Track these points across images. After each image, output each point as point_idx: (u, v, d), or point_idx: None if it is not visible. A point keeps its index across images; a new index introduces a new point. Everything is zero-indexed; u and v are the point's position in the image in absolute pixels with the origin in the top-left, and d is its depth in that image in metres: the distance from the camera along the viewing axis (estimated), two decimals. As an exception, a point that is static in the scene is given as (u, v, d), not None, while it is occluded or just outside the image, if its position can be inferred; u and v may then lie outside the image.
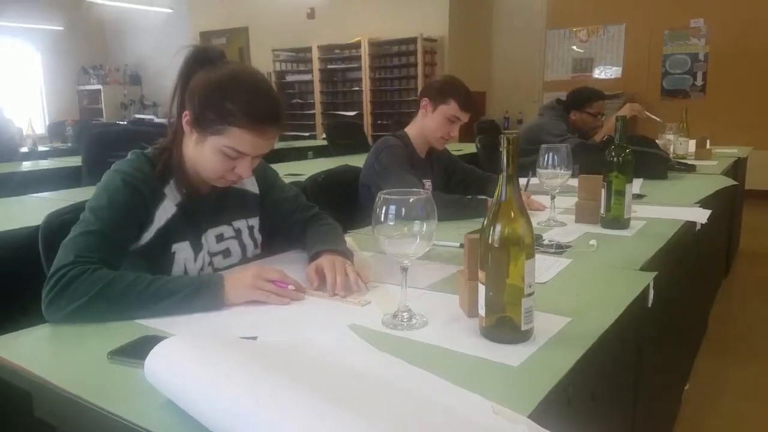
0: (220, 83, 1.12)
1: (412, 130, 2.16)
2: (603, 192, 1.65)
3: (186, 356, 0.71)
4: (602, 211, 1.67)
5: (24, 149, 4.37)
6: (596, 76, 7.20)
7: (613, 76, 7.07)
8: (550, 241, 1.47)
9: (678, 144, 3.35)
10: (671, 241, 1.51)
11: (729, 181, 2.57)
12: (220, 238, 1.31)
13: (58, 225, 1.27)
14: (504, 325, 0.87)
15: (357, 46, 7.50)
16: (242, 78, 1.14)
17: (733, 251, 3.92)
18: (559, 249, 1.41)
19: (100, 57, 10.85)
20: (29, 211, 2.06)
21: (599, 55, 7.20)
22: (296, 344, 0.84)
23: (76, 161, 3.77)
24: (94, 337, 0.95)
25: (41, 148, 4.74)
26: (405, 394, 0.69)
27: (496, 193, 0.87)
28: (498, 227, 0.85)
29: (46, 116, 9.78)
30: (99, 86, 10.43)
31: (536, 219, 1.74)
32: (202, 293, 1.02)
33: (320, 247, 1.23)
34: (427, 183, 2.15)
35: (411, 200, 0.91)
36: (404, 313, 0.96)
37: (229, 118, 1.10)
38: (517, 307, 0.86)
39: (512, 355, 0.83)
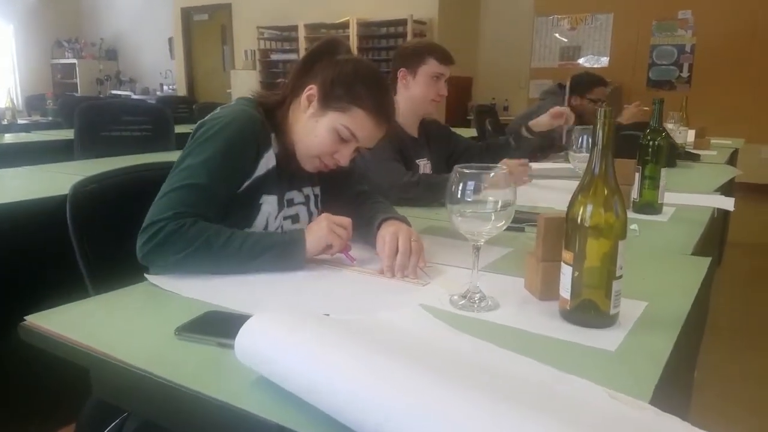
0: (356, 67, 1.17)
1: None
2: (637, 176, 1.62)
3: (285, 331, 0.65)
4: (635, 195, 1.65)
5: (4, 122, 4.17)
6: (583, 64, 7.22)
7: (600, 66, 7.08)
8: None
9: (678, 133, 3.36)
10: (708, 227, 1.49)
11: (735, 171, 2.58)
12: (290, 202, 1.28)
13: (85, 195, 1.22)
14: (588, 308, 0.83)
15: (345, 26, 7.38)
16: (374, 72, 1.21)
17: (723, 242, 3.99)
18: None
19: (75, 30, 10.49)
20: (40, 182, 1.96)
21: (587, 44, 7.21)
22: (380, 322, 0.79)
23: (62, 134, 3.63)
24: (151, 312, 0.90)
25: (20, 121, 4.53)
26: (519, 381, 0.65)
27: (589, 169, 0.82)
28: (590, 206, 0.81)
29: (18, 90, 9.41)
30: (74, 60, 10.10)
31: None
32: (290, 250, 1.06)
33: (382, 215, 1.19)
34: (423, 163, 2.02)
35: (491, 175, 0.86)
36: (476, 294, 0.91)
37: (357, 99, 1.14)
38: (605, 290, 0.82)
39: (603, 339, 0.79)
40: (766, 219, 1.58)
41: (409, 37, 6.93)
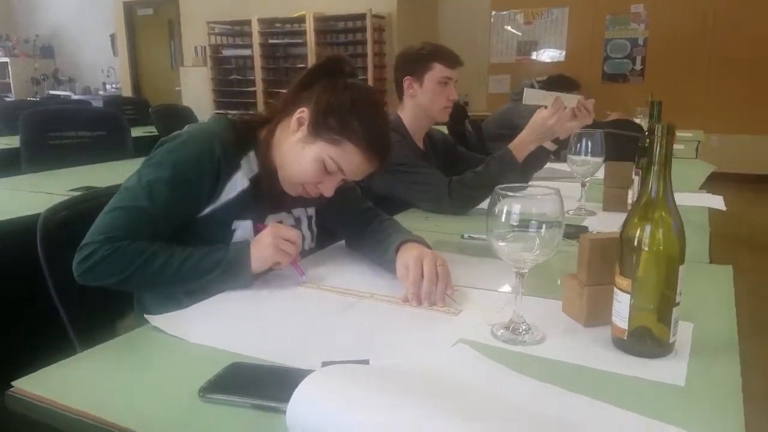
0: (354, 97, 1.09)
1: (404, 119, 1.87)
2: (637, 179, 1.60)
3: (344, 396, 0.57)
4: (633, 198, 1.62)
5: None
6: (540, 59, 7.30)
7: (556, 60, 7.18)
8: (598, 233, 1.40)
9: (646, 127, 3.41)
10: (711, 229, 1.48)
11: (711, 167, 2.62)
12: None
13: (56, 224, 1.12)
14: (645, 336, 0.78)
15: (301, 20, 7.21)
16: (373, 104, 1.13)
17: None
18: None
19: (6, 26, 9.91)
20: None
21: (543, 38, 7.29)
22: (432, 370, 0.71)
23: (2, 143, 3.38)
24: (162, 366, 0.79)
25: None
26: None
27: (645, 189, 0.77)
28: (650, 229, 0.75)
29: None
30: (5, 59, 9.52)
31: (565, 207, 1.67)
32: (234, 270, 1.01)
33: (402, 237, 1.10)
34: None
35: (538, 197, 0.80)
36: (521, 325, 0.85)
37: (349, 132, 1.06)
38: (665, 317, 0.77)
39: (667, 371, 0.74)
40: (729, 208, 1.61)
41: (368, 32, 6.84)
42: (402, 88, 1.85)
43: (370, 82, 7.02)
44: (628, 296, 0.77)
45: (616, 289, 0.79)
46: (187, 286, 1.00)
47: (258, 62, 7.60)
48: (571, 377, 0.73)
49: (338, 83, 1.10)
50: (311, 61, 7.28)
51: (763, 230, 4.66)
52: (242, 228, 1.11)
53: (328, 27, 7.30)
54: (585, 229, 1.41)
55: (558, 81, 3.42)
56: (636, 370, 0.75)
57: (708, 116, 6.12)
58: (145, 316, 0.90)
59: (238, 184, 1.09)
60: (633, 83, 6.78)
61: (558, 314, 0.93)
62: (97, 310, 1.16)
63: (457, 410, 0.57)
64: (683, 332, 0.84)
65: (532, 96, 1.65)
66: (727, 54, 6.24)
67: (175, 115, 3.91)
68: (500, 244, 0.82)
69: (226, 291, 1.02)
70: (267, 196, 1.13)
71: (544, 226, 0.80)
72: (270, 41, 7.63)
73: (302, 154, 1.08)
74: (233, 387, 0.69)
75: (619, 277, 0.78)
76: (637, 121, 3.39)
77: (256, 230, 1.10)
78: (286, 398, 0.64)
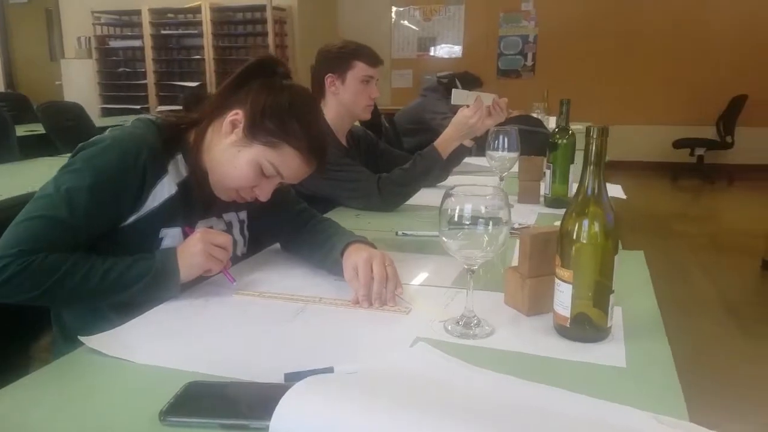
0: (292, 99, 1.06)
1: (327, 116, 1.82)
2: (548, 173, 1.71)
3: (324, 407, 0.57)
4: (545, 191, 1.73)
5: None
6: (439, 55, 7.51)
7: (455, 56, 7.43)
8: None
9: (544, 122, 3.63)
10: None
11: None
12: None
13: None
14: (585, 323, 0.85)
15: (196, 11, 6.91)
16: (311, 105, 1.13)
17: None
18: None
19: None
20: None
21: (441, 35, 7.51)
22: (400, 371, 0.73)
23: None
24: (112, 392, 0.73)
25: None
26: (570, 419, 0.63)
27: (582, 186, 0.83)
28: (588, 224, 0.82)
29: None
30: None
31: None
32: (161, 281, 0.97)
33: (346, 239, 1.10)
34: None
35: (486, 197, 0.84)
36: (473, 319, 0.89)
37: (289, 136, 1.03)
38: (603, 304, 0.83)
39: (608, 354, 0.81)
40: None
41: (269, 25, 6.66)
42: (323, 86, 1.84)
43: (271, 76, 6.87)
44: (570, 286, 0.83)
45: (557, 280, 0.85)
46: (110, 299, 0.96)
47: (149, 54, 7.19)
48: (523, 366, 0.78)
49: (274, 84, 1.07)
50: (208, 53, 7.01)
51: (658, 216, 5.11)
52: (170, 236, 1.06)
53: (226, 18, 7.05)
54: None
55: (463, 78, 3.54)
56: (580, 355, 0.81)
57: (595, 108, 6.61)
58: (80, 338, 0.83)
59: (165, 189, 1.04)
60: (525, 78, 7.18)
61: (500, 306, 0.98)
62: (6, 331, 1.07)
63: (446, 412, 0.59)
64: (615, 317, 0.92)
65: (458, 97, 1.71)
66: (609, 50, 6.76)
67: (64, 112, 3.62)
68: (451, 242, 0.85)
69: (153, 302, 0.97)
70: (197, 202, 1.09)
71: (491, 223, 0.84)
72: (162, 32, 7.25)
73: (237, 157, 1.04)
74: (196, 408, 0.67)
75: (561, 269, 0.84)
76: (535, 115, 3.60)
77: (185, 234, 1.05)
78: (255, 415, 0.64)
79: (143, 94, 7.29)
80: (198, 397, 0.69)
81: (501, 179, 1.73)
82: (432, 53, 7.55)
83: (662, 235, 4.39)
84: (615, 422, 0.64)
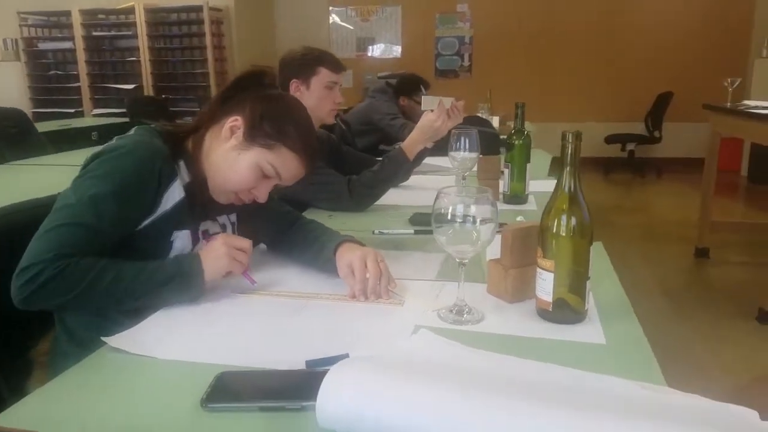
0: (288, 105, 1.16)
1: None
2: (506, 172, 1.83)
3: (368, 386, 0.64)
4: (504, 188, 1.85)
5: None
6: (378, 55, 7.62)
7: (394, 56, 7.56)
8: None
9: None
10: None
11: (549, 154, 3.01)
12: (206, 234, 1.18)
13: None
14: (564, 307, 0.95)
15: (129, 11, 6.70)
16: (304, 111, 1.19)
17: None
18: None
19: None
20: None
21: (380, 35, 7.62)
22: (413, 355, 0.80)
23: None
24: (148, 386, 0.78)
25: None
26: (572, 392, 0.73)
27: (560, 185, 0.93)
28: (566, 218, 0.92)
29: None
30: None
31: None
32: (188, 283, 1.01)
33: (337, 239, 1.17)
34: None
35: (476, 197, 0.92)
36: (465, 307, 0.97)
37: (285, 138, 1.10)
38: (581, 290, 0.94)
39: (588, 333, 0.91)
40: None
41: (206, 25, 6.58)
42: (287, 91, 1.89)
43: (210, 77, 6.79)
44: (552, 274, 0.93)
45: (539, 269, 0.95)
46: (137, 301, 0.99)
47: (81, 56, 6.92)
48: (514, 346, 0.87)
49: (270, 92, 1.15)
50: (144, 54, 6.82)
51: (594, 208, 5.38)
52: (180, 238, 1.11)
53: (161, 19, 6.88)
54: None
55: (410, 80, 3.64)
56: (564, 335, 0.91)
57: (532, 107, 6.88)
58: (103, 338, 0.88)
59: (176, 193, 1.09)
60: (462, 79, 7.40)
61: (484, 295, 1.07)
62: (6, 337, 1.08)
63: (469, 386, 0.67)
64: (589, 300, 1.03)
65: (427, 102, 1.81)
66: (542, 50, 7.08)
67: (5, 119, 3.47)
68: (444, 238, 0.93)
69: (175, 304, 1.01)
70: (197, 205, 1.14)
71: (478, 221, 0.93)
72: (94, 33, 6.99)
73: (237, 161, 1.10)
74: (233, 394, 0.73)
75: (543, 260, 0.94)
76: (480, 115, 3.76)
77: (194, 238, 1.12)
78: (289, 397, 0.71)
79: (76, 97, 7.01)
80: (232, 385, 0.75)
81: (463, 178, 1.83)
82: (371, 53, 7.65)
83: (600, 225, 4.65)
84: (616, 392, 0.73)
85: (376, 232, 1.48)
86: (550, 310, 0.95)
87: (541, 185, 1.96)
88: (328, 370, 0.76)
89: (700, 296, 3.27)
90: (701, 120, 6.67)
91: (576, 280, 0.94)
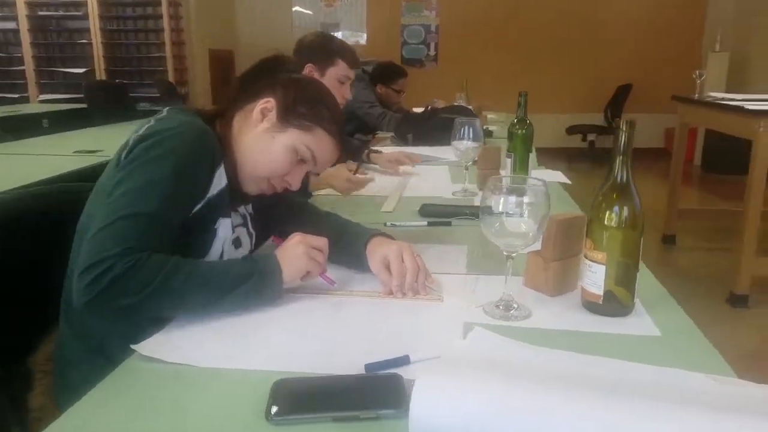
0: (319, 88, 1.13)
1: None
2: (509, 162, 1.80)
3: (458, 391, 0.60)
4: (506, 178, 1.83)
5: None
6: (344, 40, 7.49)
7: (359, 44, 7.45)
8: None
9: (464, 110, 3.77)
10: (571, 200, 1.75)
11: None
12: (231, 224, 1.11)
13: None
14: (612, 299, 0.93)
15: (81, 4, 6.37)
16: (333, 96, 1.15)
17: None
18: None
19: None
20: None
21: (345, 21, 7.50)
22: (481, 355, 0.76)
23: None
24: (198, 400, 0.71)
25: None
26: (651, 387, 0.71)
27: (612, 175, 0.90)
28: (619, 209, 0.89)
29: None
30: None
31: (450, 189, 1.83)
32: (266, 282, 0.93)
33: (367, 233, 1.12)
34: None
35: (527, 187, 0.89)
36: (512, 303, 0.94)
37: (320, 120, 1.06)
38: (631, 282, 0.92)
39: (641, 325, 0.89)
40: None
41: (163, 7, 6.32)
42: (300, 71, 1.83)
43: (168, 61, 6.55)
44: (603, 267, 0.91)
45: (589, 262, 0.92)
46: (211, 304, 0.89)
47: (26, 38, 6.53)
48: (568, 341, 0.84)
49: (299, 76, 1.12)
50: (95, 36, 6.50)
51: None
52: (223, 226, 1.04)
53: (115, 13, 6.57)
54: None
55: (388, 67, 3.58)
56: (617, 328, 0.89)
57: (497, 98, 6.95)
58: (132, 346, 0.80)
59: (221, 178, 1.02)
60: (428, 68, 7.38)
61: (522, 289, 1.04)
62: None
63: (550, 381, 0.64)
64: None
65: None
66: (506, 42, 7.13)
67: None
68: (492, 231, 0.89)
69: (249, 310, 0.92)
70: (233, 193, 1.07)
71: (528, 212, 0.89)
72: (40, 13, 6.60)
73: (272, 143, 1.04)
74: (299, 405, 0.67)
75: (594, 252, 0.92)
76: (459, 103, 3.74)
77: (276, 243, 1.04)
78: (363, 405, 0.66)
79: (21, 81, 6.63)
80: (295, 395, 0.69)
81: (466, 168, 1.80)
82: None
83: (566, 215, 4.75)
84: (681, 384, 0.72)
85: (389, 224, 1.43)
86: (600, 303, 0.93)
87: (542, 174, 1.95)
88: (395, 374, 0.72)
89: (671, 281, 3.34)
90: (659, 111, 6.94)
91: (626, 273, 0.92)
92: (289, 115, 1.05)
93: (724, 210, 4.56)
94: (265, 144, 1.05)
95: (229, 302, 0.90)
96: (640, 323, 0.90)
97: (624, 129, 0.89)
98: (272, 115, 1.05)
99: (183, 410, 0.69)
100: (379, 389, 0.70)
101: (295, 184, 1.09)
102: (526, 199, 0.88)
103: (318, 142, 1.06)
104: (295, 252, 0.97)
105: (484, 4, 7.09)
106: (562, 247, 1.00)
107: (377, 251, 1.04)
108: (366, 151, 2.07)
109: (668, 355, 0.81)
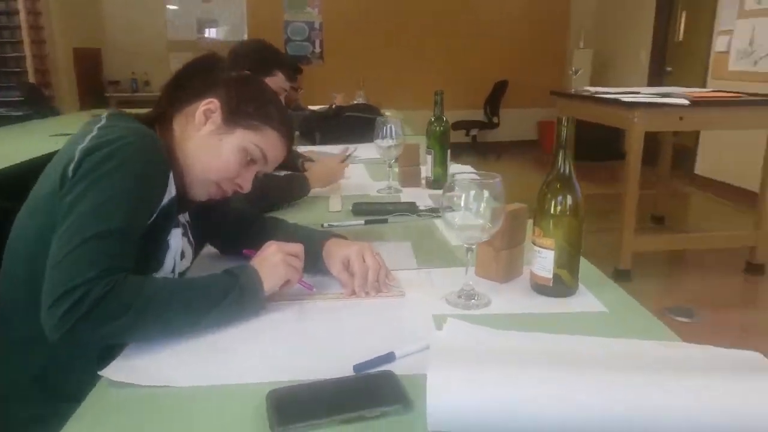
0: (264, 87, 1.11)
1: None
2: (429, 158, 1.87)
3: (474, 382, 0.63)
4: (427, 174, 1.90)
5: None
6: (222, 38, 7.25)
7: (240, 39, 7.24)
8: (425, 206, 1.61)
9: (362, 108, 3.82)
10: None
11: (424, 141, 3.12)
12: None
13: None
14: (560, 282, 1.01)
15: None
16: (277, 94, 1.17)
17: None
18: (436, 212, 1.57)
19: None
20: None
21: (223, 17, 7.25)
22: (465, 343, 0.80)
23: None
24: (189, 422, 0.68)
25: None
26: (630, 358, 0.78)
27: (556, 168, 0.98)
28: (563, 198, 0.97)
29: None
30: None
31: (375, 187, 1.86)
32: (248, 296, 0.90)
33: (322, 236, 1.11)
34: None
35: (486, 183, 0.94)
36: (473, 293, 0.99)
37: (268, 119, 1.04)
38: (576, 265, 1.01)
39: (589, 303, 0.98)
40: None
41: (19, 2, 5.72)
42: None
43: (27, 60, 5.96)
44: (552, 252, 0.99)
45: (537, 248, 1.00)
46: (192, 324, 0.85)
47: None
48: (530, 323, 0.90)
49: (241, 74, 1.07)
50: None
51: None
52: (174, 237, 0.99)
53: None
54: (414, 205, 1.60)
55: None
56: (571, 307, 0.97)
57: (383, 95, 7.08)
58: (101, 372, 0.74)
59: (172, 186, 0.97)
60: (315, 65, 7.34)
61: (473, 278, 1.09)
62: None
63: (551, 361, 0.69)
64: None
65: None
66: (389, 40, 7.28)
67: None
68: (454, 225, 0.94)
69: (230, 324, 0.89)
70: (179, 201, 1.01)
71: (487, 207, 0.94)
72: None
73: (220, 146, 1.01)
74: (301, 412, 0.66)
75: (543, 238, 0.99)
76: (359, 101, 3.79)
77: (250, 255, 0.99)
78: (366, 404, 0.68)
79: None
80: (295, 402, 0.68)
81: (390, 166, 1.84)
82: (214, 35, 7.26)
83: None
84: (641, 351, 0.80)
85: (326, 225, 1.43)
86: (551, 285, 1.00)
87: (459, 169, 2.04)
88: (387, 371, 0.74)
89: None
90: (530, 105, 7.47)
91: (570, 257, 1.00)
92: (235, 116, 1.01)
93: (599, 194, 5.00)
94: (213, 147, 1.01)
95: (213, 318, 0.86)
96: (588, 302, 0.99)
97: (565, 125, 0.96)
98: (216, 117, 1.01)
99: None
100: (376, 387, 0.72)
101: (245, 186, 1.05)
102: (486, 194, 0.93)
103: (268, 141, 1.04)
104: (273, 261, 0.95)
105: (367, 3, 7.19)
106: (510, 237, 1.06)
107: (337, 253, 1.05)
108: (301, 160, 2.02)
109: (618, 328, 0.90)
